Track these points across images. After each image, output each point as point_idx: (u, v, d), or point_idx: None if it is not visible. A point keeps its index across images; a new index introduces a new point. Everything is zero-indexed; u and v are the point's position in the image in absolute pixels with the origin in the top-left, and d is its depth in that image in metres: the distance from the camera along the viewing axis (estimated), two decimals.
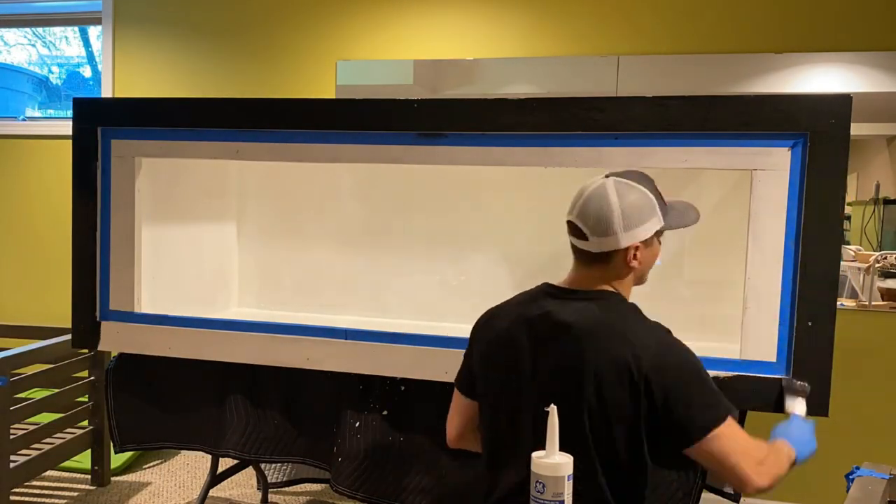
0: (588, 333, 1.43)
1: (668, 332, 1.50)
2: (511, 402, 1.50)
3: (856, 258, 2.92)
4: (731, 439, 1.38)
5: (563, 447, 1.32)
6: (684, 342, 1.47)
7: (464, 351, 1.68)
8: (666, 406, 1.37)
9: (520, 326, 1.51)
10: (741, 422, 2.02)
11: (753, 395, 1.84)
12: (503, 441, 1.53)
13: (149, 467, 3.40)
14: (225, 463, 2.92)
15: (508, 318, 1.55)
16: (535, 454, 1.51)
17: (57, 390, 3.00)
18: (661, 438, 1.41)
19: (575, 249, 1.56)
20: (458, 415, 1.68)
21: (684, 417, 1.38)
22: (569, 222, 1.57)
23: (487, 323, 1.61)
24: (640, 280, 1.61)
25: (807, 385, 1.79)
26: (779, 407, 1.83)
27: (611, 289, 1.53)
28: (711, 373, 1.86)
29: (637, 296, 2.46)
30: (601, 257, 1.51)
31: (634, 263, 1.52)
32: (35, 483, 3.20)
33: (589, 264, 1.53)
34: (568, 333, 1.44)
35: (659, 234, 1.57)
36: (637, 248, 1.51)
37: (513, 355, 1.50)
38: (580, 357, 1.41)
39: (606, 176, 1.56)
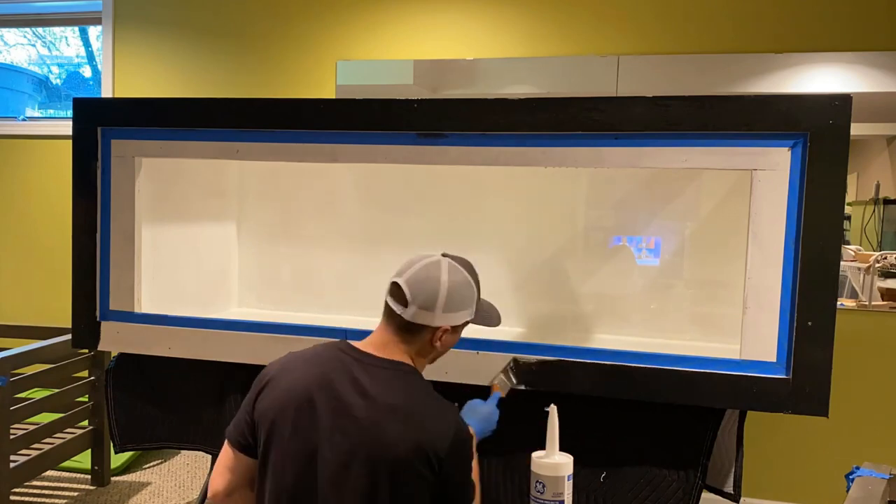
0: (392, 411, 1.44)
1: (456, 411, 1.54)
2: (304, 465, 1.45)
3: (856, 258, 2.92)
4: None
5: None
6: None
7: (246, 404, 1.58)
8: (449, 482, 1.46)
9: (321, 388, 1.48)
10: (741, 421, 2.03)
11: (753, 395, 1.84)
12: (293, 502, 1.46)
13: (149, 467, 3.40)
14: None
15: (306, 377, 1.50)
16: (535, 454, 1.52)
17: (57, 390, 3.00)
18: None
19: (388, 313, 1.58)
20: (230, 471, 1.56)
21: (459, 491, 1.49)
22: (394, 283, 1.57)
23: (278, 377, 1.54)
24: (432, 361, 1.65)
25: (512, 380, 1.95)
26: (779, 407, 1.83)
27: (410, 363, 1.56)
28: (711, 372, 1.87)
29: (638, 296, 2.45)
30: (412, 329, 1.55)
31: (437, 344, 1.57)
32: (35, 483, 3.20)
33: (397, 332, 1.56)
34: (373, 408, 1.45)
35: (465, 326, 1.63)
36: (446, 331, 1.57)
37: (309, 417, 1.46)
38: (382, 433, 1.42)
39: (443, 255, 1.62)
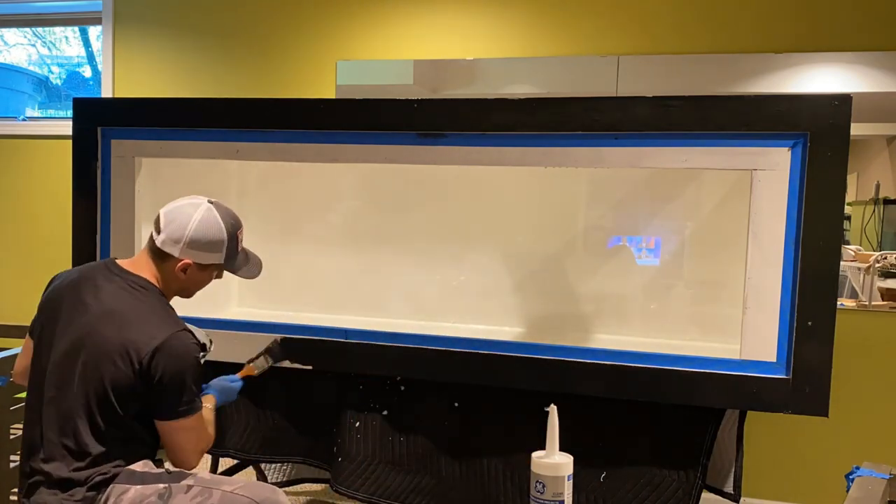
0: (111, 313, 1.69)
1: (188, 332, 1.73)
2: (45, 348, 1.74)
3: (856, 258, 2.92)
4: (187, 432, 1.73)
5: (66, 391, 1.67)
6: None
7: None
8: (156, 388, 1.66)
9: (72, 289, 1.75)
10: (741, 421, 2.03)
11: (753, 395, 1.84)
12: (33, 388, 1.76)
13: None
14: (225, 463, 2.92)
15: (69, 280, 1.78)
16: (535, 454, 1.51)
17: None
18: (145, 406, 1.70)
19: (150, 236, 1.81)
20: (24, 355, 1.88)
21: (167, 401, 1.68)
22: (158, 215, 1.80)
23: (56, 280, 1.83)
24: (185, 293, 1.87)
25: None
26: (779, 407, 1.83)
27: (156, 283, 1.78)
28: (711, 372, 1.87)
29: (638, 295, 2.46)
30: (161, 255, 1.78)
31: (182, 276, 1.79)
32: None
33: (149, 254, 1.80)
34: (99, 308, 1.70)
35: (217, 268, 1.85)
36: (189, 265, 1.77)
37: (57, 310, 1.74)
38: (99, 329, 1.67)
39: (209, 201, 1.83)
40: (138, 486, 1.68)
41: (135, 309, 1.71)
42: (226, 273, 1.91)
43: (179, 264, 1.77)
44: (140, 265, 1.80)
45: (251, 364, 2.12)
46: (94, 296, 1.72)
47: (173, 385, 1.67)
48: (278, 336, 2.17)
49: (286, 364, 2.16)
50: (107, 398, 1.66)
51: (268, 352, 2.14)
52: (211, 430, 1.83)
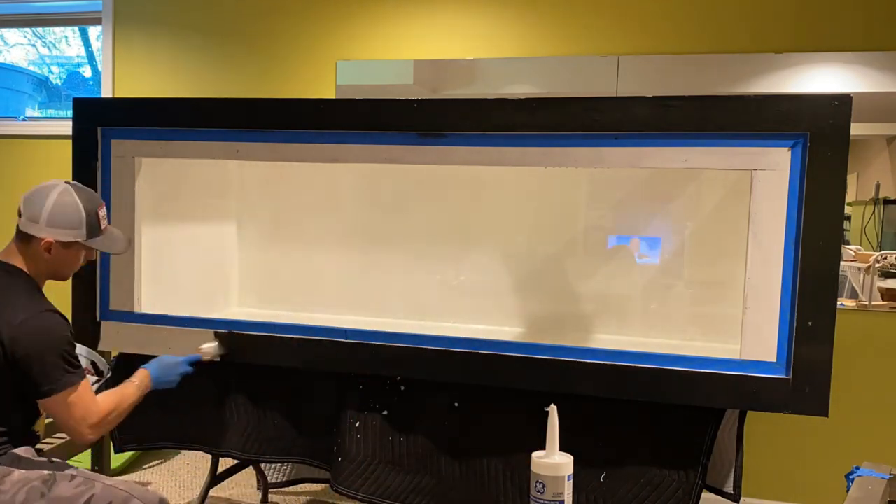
0: None
1: (54, 313, 1.80)
2: None
3: (856, 258, 2.92)
4: (68, 406, 1.77)
5: None
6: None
7: None
8: (23, 366, 1.72)
9: None
10: (741, 421, 2.03)
11: (753, 395, 1.84)
12: None
13: (149, 467, 3.40)
14: (225, 463, 2.92)
15: None
16: (535, 454, 1.51)
17: None
18: (16, 389, 1.76)
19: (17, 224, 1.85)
20: None
21: (36, 379, 1.74)
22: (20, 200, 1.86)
23: None
24: (57, 275, 1.92)
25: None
26: (779, 407, 1.83)
27: (23, 268, 1.84)
28: (711, 372, 1.87)
29: (637, 295, 2.46)
30: (25, 238, 1.84)
31: (47, 256, 1.84)
32: None
33: (16, 240, 1.86)
34: None
35: (84, 247, 1.89)
36: (52, 244, 1.83)
37: None
38: None
39: (67, 182, 1.90)
40: (22, 471, 1.74)
41: (1, 293, 1.77)
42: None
43: (42, 244, 1.83)
44: (8, 253, 1.86)
45: (202, 348, 2.18)
46: None
47: (40, 362, 1.73)
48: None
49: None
50: None
51: (219, 338, 2.20)
52: (110, 403, 1.87)
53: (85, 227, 1.87)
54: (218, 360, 2.22)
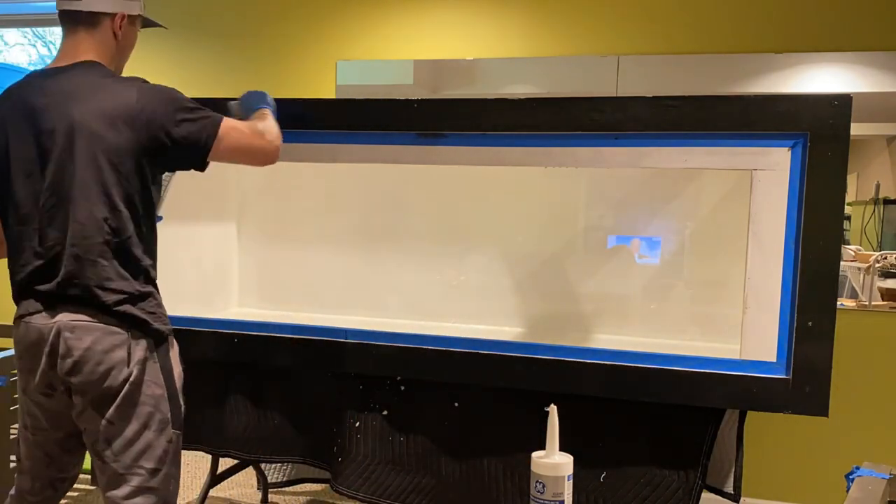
0: (70, 94, 1.57)
1: (146, 81, 1.66)
2: (21, 191, 1.61)
3: (856, 258, 2.92)
4: (234, 132, 1.66)
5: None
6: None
7: None
8: (169, 136, 1.59)
9: (13, 111, 1.62)
10: (741, 421, 2.03)
11: (753, 395, 1.84)
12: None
13: None
14: (225, 463, 2.92)
15: (4, 113, 1.63)
16: (535, 454, 1.51)
17: None
18: (170, 162, 1.67)
19: (67, 19, 1.65)
20: None
21: (190, 137, 1.61)
22: None
23: None
24: (121, 63, 1.74)
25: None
26: (779, 407, 1.83)
27: (100, 60, 1.65)
28: (711, 372, 1.87)
29: (637, 295, 2.45)
30: (93, 21, 1.64)
31: (115, 39, 1.67)
32: None
33: (76, 31, 1.65)
34: (55, 98, 1.58)
35: (138, 23, 1.74)
36: (123, 18, 1.67)
37: (14, 134, 1.61)
38: (69, 117, 1.56)
39: None
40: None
41: (93, 83, 1.60)
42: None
43: (116, 21, 1.66)
44: (75, 50, 1.65)
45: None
46: (43, 94, 1.60)
47: (182, 114, 1.60)
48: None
49: None
50: (118, 169, 1.57)
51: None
52: (262, 116, 1.78)
53: None
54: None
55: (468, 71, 3.20)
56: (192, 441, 2.41)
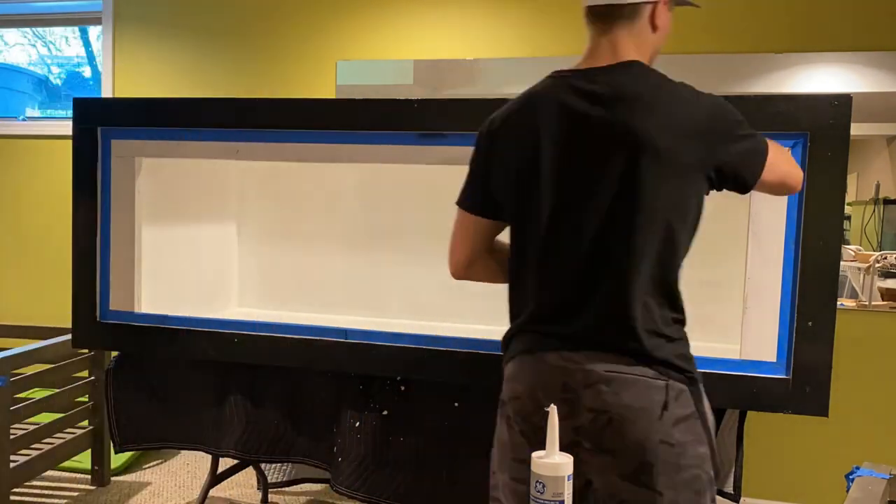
0: (632, 101, 1.32)
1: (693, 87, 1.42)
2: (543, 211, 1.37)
3: (856, 258, 2.92)
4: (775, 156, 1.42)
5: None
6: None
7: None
8: (726, 146, 1.35)
9: (547, 116, 1.37)
10: (741, 421, 2.03)
11: (753, 395, 1.84)
12: (536, 250, 1.39)
13: (149, 467, 3.40)
14: (225, 463, 2.92)
15: (531, 118, 1.39)
16: (535, 454, 1.51)
17: (57, 390, 3.00)
18: (721, 185, 1.41)
19: (597, 14, 1.39)
20: (469, 239, 1.55)
21: (745, 161, 1.38)
22: None
23: (502, 131, 1.44)
24: (655, 54, 1.48)
25: None
26: (779, 407, 1.83)
27: (639, 59, 1.39)
28: (711, 372, 1.86)
29: None
30: (626, 13, 1.38)
31: (659, 23, 1.41)
32: (35, 483, 3.20)
33: (610, 26, 1.39)
34: (610, 108, 1.32)
35: (672, 3, 1.46)
36: (664, 3, 1.41)
37: (543, 146, 1.36)
38: (629, 126, 1.30)
39: None
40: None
41: (653, 89, 1.35)
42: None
43: (658, 9, 1.40)
44: (606, 54, 1.39)
45: None
46: (591, 102, 1.34)
47: (735, 125, 1.37)
48: None
49: None
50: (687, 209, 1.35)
51: None
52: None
53: None
54: None
55: (468, 71, 3.20)
56: (193, 441, 2.41)
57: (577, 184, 1.34)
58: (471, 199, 1.53)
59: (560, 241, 1.36)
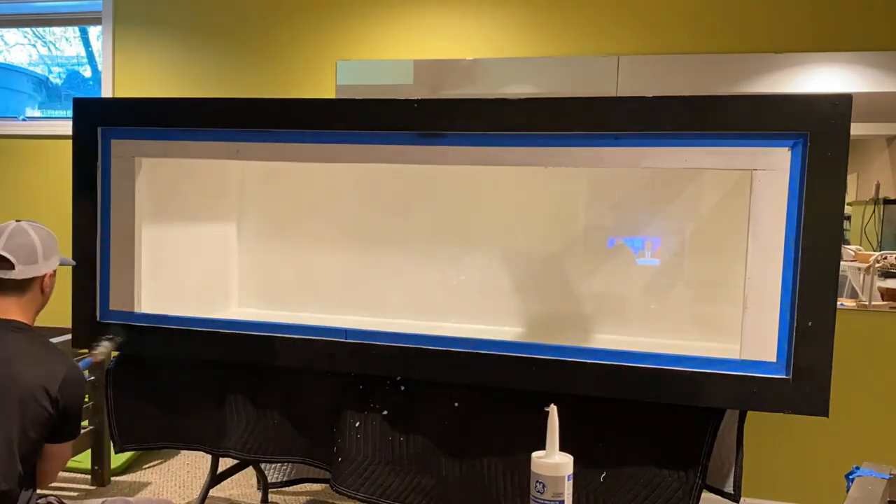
0: (8, 362, 1.76)
1: (67, 357, 1.87)
2: None
3: (856, 258, 2.92)
4: (70, 448, 1.97)
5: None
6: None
7: None
8: (63, 415, 1.82)
9: None
10: (741, 421, 2.03)
11: (753, 395, 1.84)
12: None
13: (149, 467, 3.40)
14: (225, 463, 2.92)
15: None
16: (535, 454, 1.51)
17: None
18: (50, 434, 1.84)
19: None
20: None
21: (72, 426, 1.88)
22: None
23: None
24: (40, 310, 1.96)
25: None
26: (779, 407, 1.83)
27: (25, 320, 1.87)
28: (711, 372, 1.87)
29: (637, 295, 2.44)
30: (23, 286, 1.86)
31: (42, 294, 1.91)
32: None
33: (9, 295, 1.86)
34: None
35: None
36: (50, 276, 1.92)
37: None
38: (9, 382, 1.75)
39: (17, 221, 1.91)
40: None
41: (26, 351, 1.81)
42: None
43: (44, 281, 1.91)
44: (2, 311, 1.86)
45: (94, 352, 2.25)
46: None
47: (77, 410, 1.86)
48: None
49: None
50: (25, 433, 1.77)
51: (110, 339, 2.28)
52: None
53: (55, 247, 1.96)
54: (111, 356, 2.32)
55: (468, 71, 3.20)
56: (193, 441, 2.41)
57: None
58: None
59: None
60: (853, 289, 2.93)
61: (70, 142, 2.35)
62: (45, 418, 1.79)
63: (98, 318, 2.33)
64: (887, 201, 2.89)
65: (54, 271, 1.95)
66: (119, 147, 2.28)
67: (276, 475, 2.99)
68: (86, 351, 2.33)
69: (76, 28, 4.04)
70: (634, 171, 2.39)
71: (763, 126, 1.80)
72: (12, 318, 1.86)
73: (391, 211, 2.68)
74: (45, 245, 1.90)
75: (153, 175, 2.35)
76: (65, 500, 1.98)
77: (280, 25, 3.43)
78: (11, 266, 1.84)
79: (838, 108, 1.76)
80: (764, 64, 2.92)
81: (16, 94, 4.17)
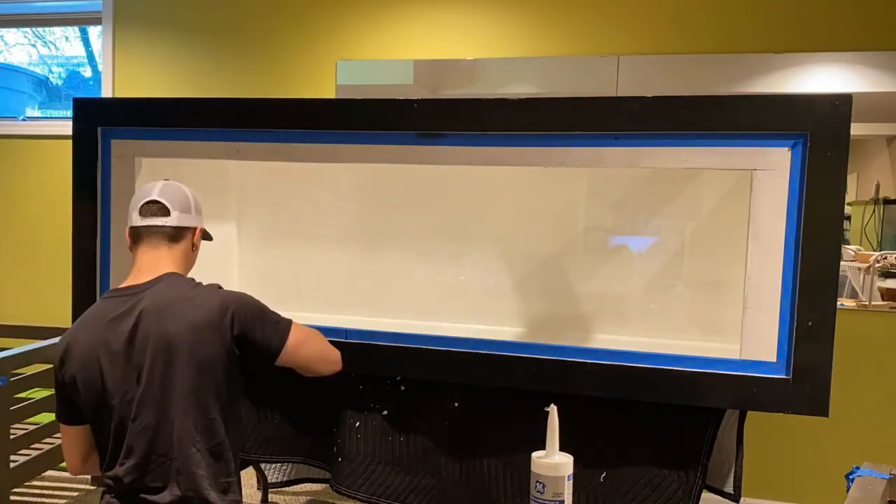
0: (164, 309, 1.65)
1: (220, 287, 1.78)
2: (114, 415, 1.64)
3: (856, 258, 2.92)
4: (306, 339, 1.81)
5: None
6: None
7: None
8: (245, 337, 1.69)
9: (106, 342, 1.64)
10: (741, 421, 2.03)
11: (753, 395, 1.84)
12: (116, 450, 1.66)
13: None
14: None
15: (91, 341, 1.65)
16: (535, 454, 1.51)
17: None
18: (248, 362, 1.73)
19: (150, 231, 1.74)
20: (76, 443, 1.75)
21: (265, 339, 1.72)
22: (149, 203, 1.75)
23: (70, 351, 1.67)
24: (187, 271, 1.84)
25: None
26: (779, 407, 1.83)
27: (176, 271, 1.76)
28: (711, 372, 1.87)
29: (637, 295, 2.44)
30: (176, 236, 1.77)
31: (191, 251, 1.82)
32: (35, 483, 3.20)
33: (160, 246, 1.75)
34: (147, 319, 1.65)
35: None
36: (200, 231, 1.84)
37: (106, 365, 1.63)
38: (167, 331, 1.63)
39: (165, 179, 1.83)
40: None
41: (177, 295, 1.69)
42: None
43: (195, 235, 1.82)
44: (151, 268, 1.74)
45: None
46: (131, 317, 1.65)
47: (257, 315, 1.72)
48: None
49: None
50: (218, 381, 1.66)
51: None
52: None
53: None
54: None
55: (468, 71, 3.20)
56: None
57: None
58: (62, 412, 1.74)
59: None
60: (853, 289, 2.93)
61: (70, 142, 2.35)
62: (227, 356, 1.67)
63: None
64: (887, 201, 2.89)
65: (203, 231, 1.86)
66: (119, 147, 2.27)
67: (276, 475, 2.99)
68: None
69: (76, 28, 4.04)
70: (634, 171, 2.38)
71: (763, 126, 1.80)
72: (162, 272, 1.74)
73: (391, 211, 2.67)
74: (196, 201, 1.84)
75: (153, 175, 2.35)
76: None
77: (280, 25, 3.43)
78: (167, 212, 1.75)
79: (838, 108, 1.76)
80: (764, 64, 2.92)
81: (16, 94, 4.17)
